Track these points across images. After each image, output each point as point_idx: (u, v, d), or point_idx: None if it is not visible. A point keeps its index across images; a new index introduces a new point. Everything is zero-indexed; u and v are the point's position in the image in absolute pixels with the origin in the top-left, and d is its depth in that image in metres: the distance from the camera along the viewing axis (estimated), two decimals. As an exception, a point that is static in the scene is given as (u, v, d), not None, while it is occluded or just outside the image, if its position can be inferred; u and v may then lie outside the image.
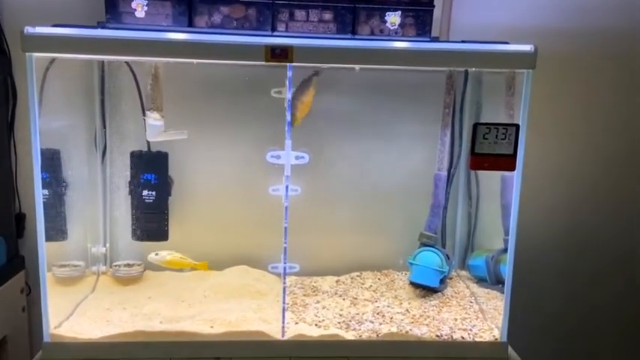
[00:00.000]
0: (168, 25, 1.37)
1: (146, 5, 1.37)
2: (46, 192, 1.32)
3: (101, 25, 1.35)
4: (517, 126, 1.31)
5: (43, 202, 1.28)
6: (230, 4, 1.39)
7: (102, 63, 1.60)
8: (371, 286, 1.69)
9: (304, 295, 1.61)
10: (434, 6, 1.43)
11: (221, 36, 1.27)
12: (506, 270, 1.39)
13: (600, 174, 1.86)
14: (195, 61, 1.31)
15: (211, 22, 1.39)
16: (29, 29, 1.19)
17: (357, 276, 1.75)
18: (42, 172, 1.26)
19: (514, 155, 1.32)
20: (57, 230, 1.48)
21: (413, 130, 1.72)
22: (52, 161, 1.45)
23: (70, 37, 1.21)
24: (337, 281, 1.72)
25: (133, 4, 1.36)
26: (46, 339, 1.32)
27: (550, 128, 1.79)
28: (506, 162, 1.33)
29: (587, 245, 1.90)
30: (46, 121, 1.28)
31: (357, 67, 1.53)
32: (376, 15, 1.43)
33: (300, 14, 1.42)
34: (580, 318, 1.95)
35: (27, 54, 1.20)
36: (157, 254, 1.58)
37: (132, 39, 1.23)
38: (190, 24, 1.38)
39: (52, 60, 1.35)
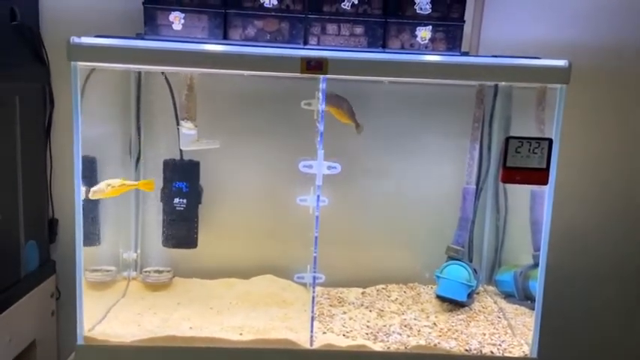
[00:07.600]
0: (204, 37, 1.40)
1: (183, 18, 1.40)
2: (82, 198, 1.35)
3: (139, 37, 1.39)
4: (550, 140, 1.32)
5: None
6: (264, 18, 1.42)
7: (139, 73, 1.64)
8: (397, 298, 1.68)
9: (330, 306, 1.61)
10: (464, 21, 1.44)
11: (256, 48, 1.30)
12: (537, 285, 1.38)
13: (634, 191, 1.83)
14: (232, 72, 1.35)
15: (245, 35, 1.42)
16: (75, 39, 1.23)
17: (383, 288, 1.75)
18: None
19: (547, 169, 1.32)
20: (90, 235, 1.50)
21: (442, 143, 1.73)
22: (88, 168, 1.48)
23: (114, 47, 1.26)
24: (363, 293, 1.72)
25: (171, 17, 1.40)
26: (80, 342, 1.34)
27: (581, 144, 1.78)
28: (539, 176, 1.33)
29: (618, 263, 1.86)
30: (84, 129, 1.31)
31: (386, 80, 1.56)
32: (407, 29, 1.44)
33: (331, 28, 1.44)
34: (609, 334, 1.91)
35: (72, 63, 1.24)
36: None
37: (177, 50, 1.27)
38: (225, 37, 1.41)
39: (92, 69, 1.39)
